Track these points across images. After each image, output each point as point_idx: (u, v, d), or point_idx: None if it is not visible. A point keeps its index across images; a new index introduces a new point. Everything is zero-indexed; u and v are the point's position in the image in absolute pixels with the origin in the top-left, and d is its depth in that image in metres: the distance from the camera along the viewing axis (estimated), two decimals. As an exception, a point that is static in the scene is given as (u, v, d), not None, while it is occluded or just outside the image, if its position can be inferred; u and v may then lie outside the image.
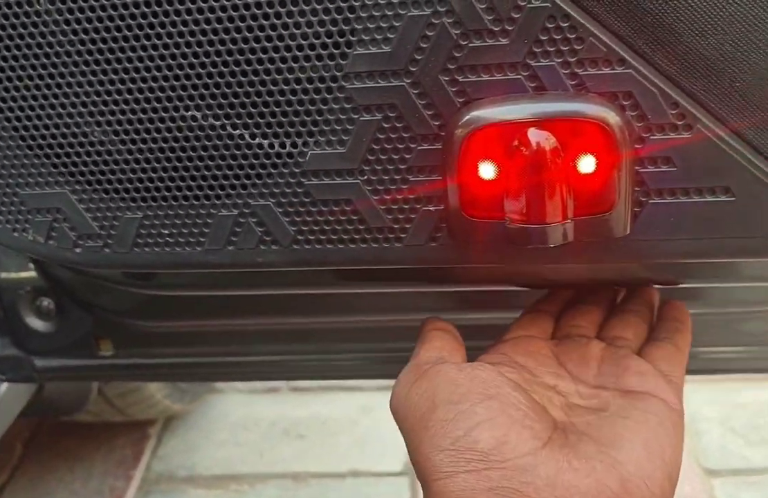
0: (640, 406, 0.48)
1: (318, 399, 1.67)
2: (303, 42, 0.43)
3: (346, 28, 0.43)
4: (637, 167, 0.44)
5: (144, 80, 0.45)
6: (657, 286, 0.64)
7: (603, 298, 0.62)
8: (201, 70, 0.44)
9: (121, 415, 1.40)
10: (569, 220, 0.43)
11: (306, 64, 0.44)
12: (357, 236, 0.48)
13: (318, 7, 0.42)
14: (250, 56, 0.44)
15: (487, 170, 0.44)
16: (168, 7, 0.43)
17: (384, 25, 0.42)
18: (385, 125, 0.45)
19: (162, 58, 0.44)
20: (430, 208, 0.46)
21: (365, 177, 0.46)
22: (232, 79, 0.44)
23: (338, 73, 0.44)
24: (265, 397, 1.70)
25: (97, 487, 1.49)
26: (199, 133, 0.47)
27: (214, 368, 0.84)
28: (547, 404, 0.49)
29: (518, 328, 0.58)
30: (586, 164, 0.43)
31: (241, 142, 0.46)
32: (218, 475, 1.48)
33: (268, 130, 0.46)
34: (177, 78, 0.45)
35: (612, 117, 0.42)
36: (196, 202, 0.49)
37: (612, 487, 0.42)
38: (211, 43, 0.43)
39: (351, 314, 0.80)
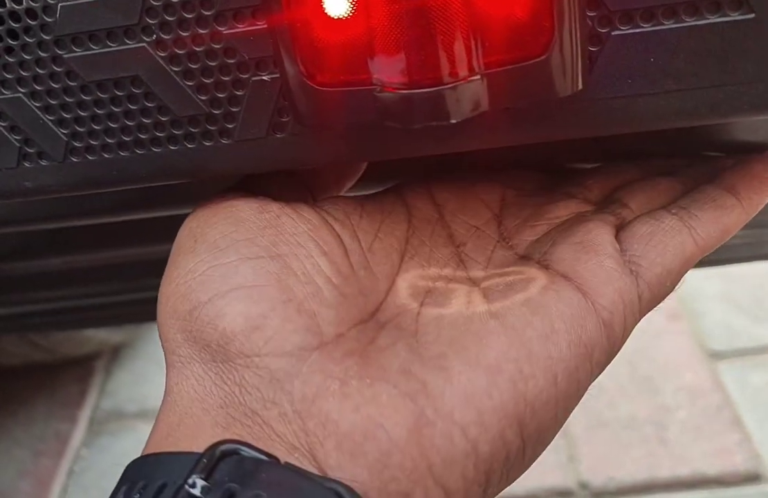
0: (537, 299, 0.30)
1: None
2: None
3: None
4: (589, -25, 0.26)
5: None
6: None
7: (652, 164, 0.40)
8: None
9: (50, 356, 1.24)
10: (478, 76, 0.25)
11: None
12: (161, 134, 0.30)
13: None
14: None
15: (335, 1, 0.26)
16: None
17: None
18: (168, -56, 0.27)
19: None
20: (264, 78, 0.29)
21: (153, 36, 0.28)
22: None
23: None
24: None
25: (40, 433, 1.35)
26: None
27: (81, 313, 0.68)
28: (403, 274, 0.32)
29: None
30: (501, -25, 0.25)
31: (-51, -3, 0.28)
32: (171, 407, 1.34)
33: (-13, -26, 0.28)
34: None
35: None
36: None
37: (392, 432, 0.26)
38: None
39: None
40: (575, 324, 0.29)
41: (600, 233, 0.32)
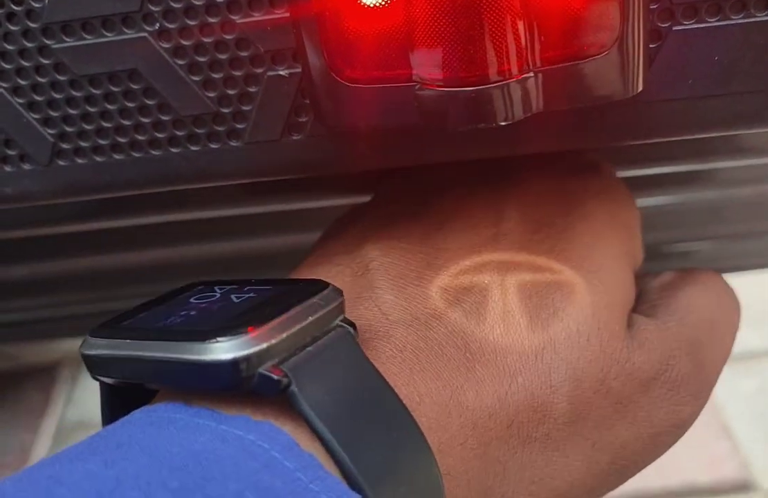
0: None
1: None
2: None
3: None
4: (651, -36, 0.23)
5: None
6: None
7: None
8: None
9: (12, 362, 1.19)
10: (531, 73, 0.23)
11: None
12: (161, 135, 0.27)
13: None
14: None
15: (370, -11, 0.23)
16: None
17: None
18: None
19: None
20: (281, 73, 0.26)
21: (156, 26, 0.25)
22: None
23: None
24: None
25: (4, 443, 1.29)
26: None
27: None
28: None
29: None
30: (560, -40, 0.22)
31: None
32: (142, 417, 1.29)
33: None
34: None
35: None
36: None
37: None
38: None
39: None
40: None
41: None
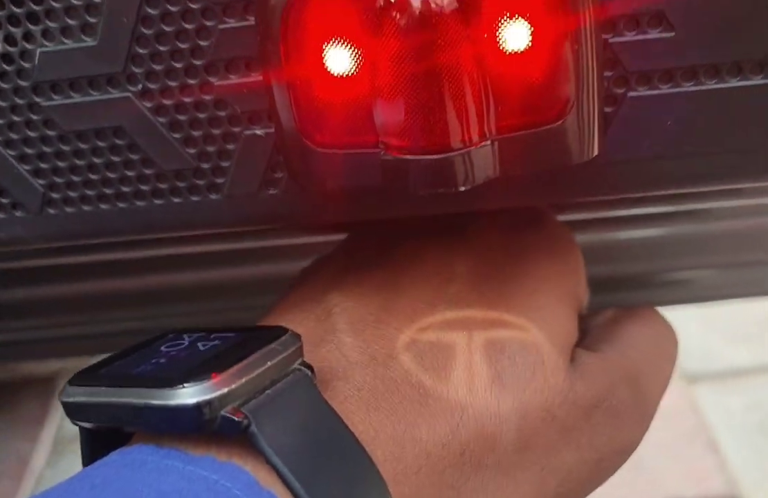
0: None
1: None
2: None
3: None
4: (606, 36, 0.24)
5: None
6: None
7: None
8: None
9: (11, 372, 1.20)
10: (488, 142, 0.24)
11: None
12: (145, 187, 0.29)
13: None
14: None
15: (338, 59, 0.24)
16: None
17: None
18: (157, -9, 0.25)
19: None
20: (257, 132, 0.27)
21: (139, 86, 0.26)
22: None
23: None
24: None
25: (2, 452, 1.30)
26: None
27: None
28: None
29: None
30: (515, 36, 0.23)
31: None
32: (139, 428, 1.30)
33: (-41, 17, 0.26)
34: None
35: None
36: None
37: None
38: None
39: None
40: None
41: None
